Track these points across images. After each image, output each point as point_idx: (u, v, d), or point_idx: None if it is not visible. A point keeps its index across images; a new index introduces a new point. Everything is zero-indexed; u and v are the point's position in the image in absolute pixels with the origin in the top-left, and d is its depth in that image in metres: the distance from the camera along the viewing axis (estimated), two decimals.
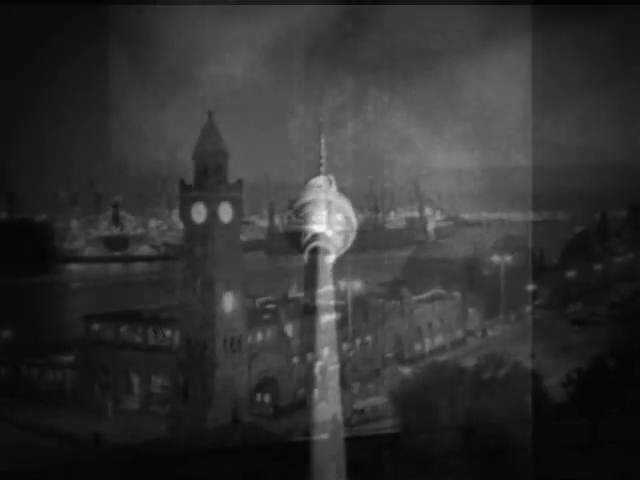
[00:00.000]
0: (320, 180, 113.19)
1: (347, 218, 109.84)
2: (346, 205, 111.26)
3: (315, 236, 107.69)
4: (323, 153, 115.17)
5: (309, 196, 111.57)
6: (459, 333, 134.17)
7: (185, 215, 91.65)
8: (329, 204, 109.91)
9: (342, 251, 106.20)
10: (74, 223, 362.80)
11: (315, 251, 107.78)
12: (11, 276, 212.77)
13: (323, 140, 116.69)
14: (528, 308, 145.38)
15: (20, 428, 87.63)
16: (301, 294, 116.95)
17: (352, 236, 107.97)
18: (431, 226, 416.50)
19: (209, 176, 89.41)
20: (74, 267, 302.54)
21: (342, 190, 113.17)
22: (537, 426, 52.66)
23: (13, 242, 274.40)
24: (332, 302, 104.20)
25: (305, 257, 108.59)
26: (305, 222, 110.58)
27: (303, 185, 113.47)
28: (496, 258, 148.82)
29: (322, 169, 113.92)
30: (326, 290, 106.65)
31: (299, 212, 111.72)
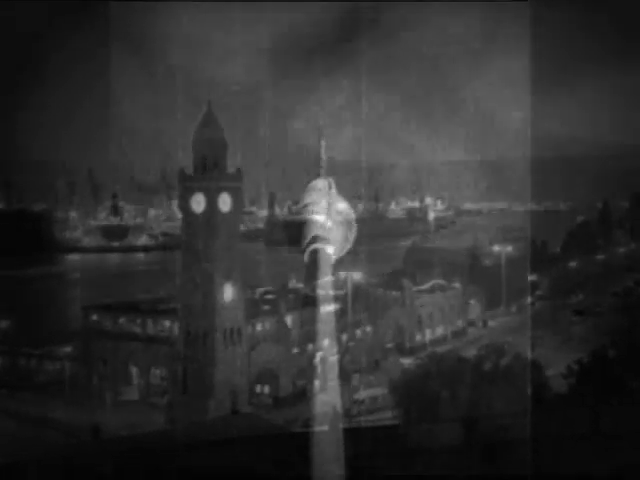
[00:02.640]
0: (320, 183, 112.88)
1: (347, 219, 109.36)
2: (346, 208, 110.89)
3: (315, 238, 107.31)
4: (323, 156, 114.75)
5: (308, 199, 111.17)
6: (460, 324, 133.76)
7: (184, 205, 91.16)
8: (329, 207, 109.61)
9: (343, 252, 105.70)
10: (73, 213, 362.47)
11: (315, 252, 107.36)
12: (9, 266, 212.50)
13: (323, 142, 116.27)
14: (529, 299, 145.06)
15: (18, 419, 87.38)
16: (301, 285, 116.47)
17: (352, 238, 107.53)
18: (431, 216, 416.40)
19: (208, 166, 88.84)
20: (73, 257, 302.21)
21: (342, 184, 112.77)
22: (538, 417, 52.05)
23: (11, 232, 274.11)
24: (332, 293, 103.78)
25: (305, 258, 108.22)
26: (305, 213, 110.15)
27: (303, 177, 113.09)
28: (497, 248, 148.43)
29: (322, 172, 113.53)
30: (326, 280, 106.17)
31: (299, 212, 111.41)
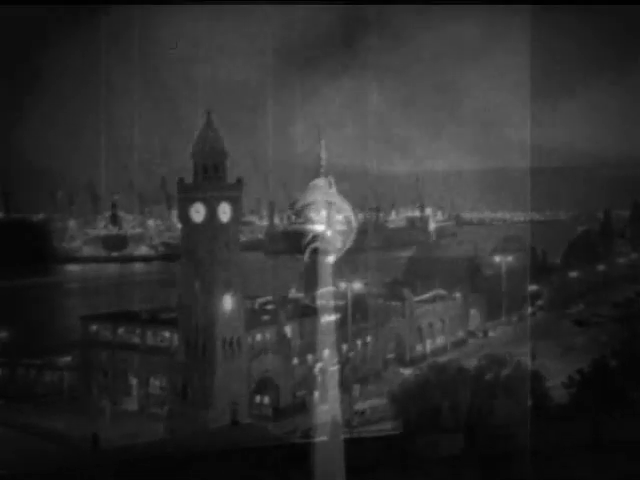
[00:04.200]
0: (320, 182, 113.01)
1: (347, 218, 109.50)
2: (346, 206, 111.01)
3: (315, 237, 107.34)
4: (323, 155, 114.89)
5: (309, 198, 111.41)
6: (460, 334, 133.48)
7: (184, 215, 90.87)
8: (329, 205, 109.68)
9: (342, 251, 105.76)
10: (72, 223, 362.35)
11: (315, 251, 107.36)
12: (8, 277, 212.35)
13: (323, 142, 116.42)
14: (530, 309, 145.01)
15: (17, 430, 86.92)
16: (301, 295, 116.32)
17: (352, 236, 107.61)
18: (432, 226, 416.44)
19: (208, 175, 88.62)
20: (72, 267, 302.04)
21: (342, 191, 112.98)
22: (538, 427, 51.98)
23: (10, 242, 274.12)
24: (332, 303, 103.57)
25: (306, 257, 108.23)
26: (305, 222, 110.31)
27: (303, 186, 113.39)
28: (497, 258, 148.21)
29: (322, 170, 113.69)
30: (326, 291, 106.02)
31: (299, 212, 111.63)
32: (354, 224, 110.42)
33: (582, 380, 70.84)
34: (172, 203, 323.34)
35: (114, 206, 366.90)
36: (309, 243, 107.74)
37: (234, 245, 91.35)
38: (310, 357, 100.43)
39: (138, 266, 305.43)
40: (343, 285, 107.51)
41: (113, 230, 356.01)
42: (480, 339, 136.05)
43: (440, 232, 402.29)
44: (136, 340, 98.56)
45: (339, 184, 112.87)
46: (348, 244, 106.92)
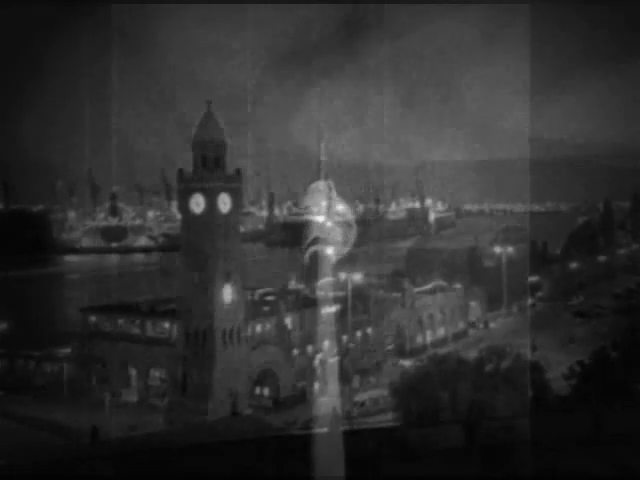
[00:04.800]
0: (320, 185, 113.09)
1: (347, 222, 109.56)
2: (345, 208, 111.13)
3: (316, 239, 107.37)
4: (323, 157, 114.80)
5: (309, 200, 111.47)
6: (461, 325, 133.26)
7: (183, 206, 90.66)
8: (329, 200, 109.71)
9: (344, 250, 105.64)
10: (71, 214, 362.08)
11: (315, 252, 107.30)
12: (7, 267, 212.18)
13: (323, 144, 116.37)
14: (530, 300, 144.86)
15: (16, 421, 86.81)
16: (301, 286, 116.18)
17: (353, 237, 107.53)
18: (432, 217, 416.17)
19: (208, 166, 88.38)
20: (71, 258, 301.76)
21: (343, 183, 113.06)
22: (539, 419, 51.63)
23: (9, 233, 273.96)
24: (332, 294, 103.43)
25: (306, 258, 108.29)
26: (305, 213, 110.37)
27: (302, 179, 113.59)
28: (498, 249, 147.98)
29: (322, 173, 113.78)
30: (326, 282, 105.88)
31: (300, 209, 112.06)
32: (354, 227, 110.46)
33: (583, 372, 70.54)
34: (172, 194, 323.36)
35: (114, 197, 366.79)
36: (309, 246, 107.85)
37: (234, 236, 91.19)
38: (310, 348, 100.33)
39: (138, 257, 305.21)
40: (343, 276, 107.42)
41: (113, 221, 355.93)
42: (480, 330, 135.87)
43: (440, 223, 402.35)
44: (136, 331, 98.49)
45: (340, 177, 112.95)
46: (350, 244, 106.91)
